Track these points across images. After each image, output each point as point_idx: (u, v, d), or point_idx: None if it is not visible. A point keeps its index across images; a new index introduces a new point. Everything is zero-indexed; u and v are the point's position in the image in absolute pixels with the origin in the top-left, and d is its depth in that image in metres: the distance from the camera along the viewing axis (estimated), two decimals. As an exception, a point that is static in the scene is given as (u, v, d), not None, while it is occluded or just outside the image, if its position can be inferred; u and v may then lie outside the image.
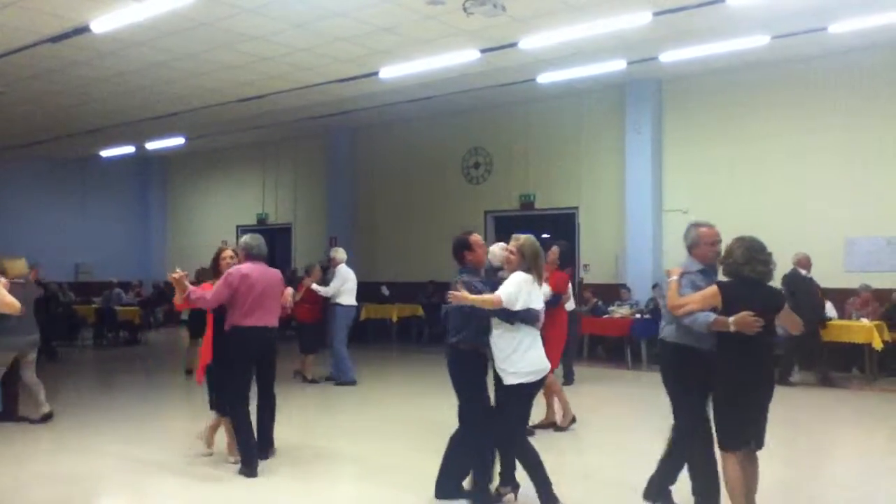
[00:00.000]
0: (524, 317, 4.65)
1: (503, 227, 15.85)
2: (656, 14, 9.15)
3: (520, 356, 4.64)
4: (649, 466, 4.83)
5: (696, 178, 13.01)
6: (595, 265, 14.14)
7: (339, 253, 10.66)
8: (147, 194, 22.37)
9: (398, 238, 16.85)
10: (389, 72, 11.64)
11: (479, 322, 4.79)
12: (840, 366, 10.33)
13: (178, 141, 18.12)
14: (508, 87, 13.27)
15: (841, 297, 10.76)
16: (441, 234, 15.84)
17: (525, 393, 4.71)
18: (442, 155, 16.29)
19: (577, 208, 14.40)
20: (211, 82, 12.53)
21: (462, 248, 5.09)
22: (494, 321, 4.72)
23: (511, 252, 4.84)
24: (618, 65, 11.86)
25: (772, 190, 12.16)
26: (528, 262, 4.77)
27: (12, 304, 5.51)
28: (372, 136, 17.37)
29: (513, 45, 10.32)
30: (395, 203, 17.09)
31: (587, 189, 14.27)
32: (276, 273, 6.20)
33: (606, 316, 12.48)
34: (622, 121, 13.57)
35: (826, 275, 10.44)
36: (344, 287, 10.26)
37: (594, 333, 12.73)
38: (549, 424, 7.26)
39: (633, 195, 13.35)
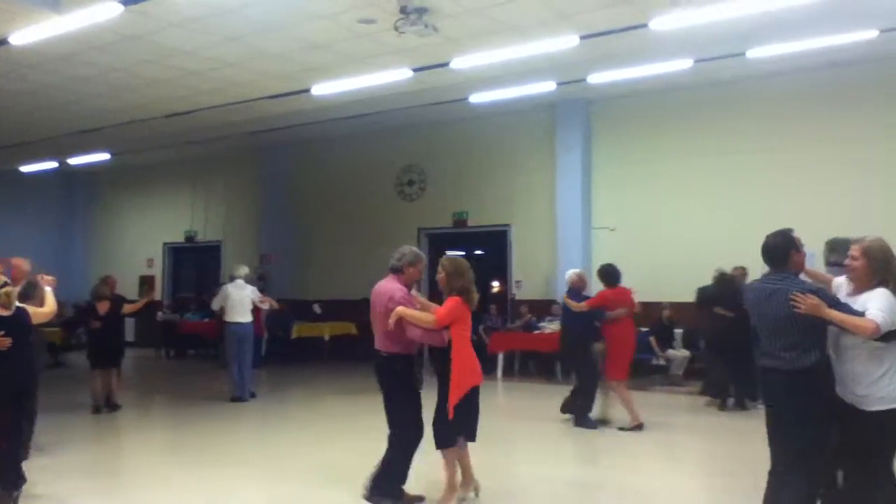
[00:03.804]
0: None
1: (437, 245, 15.94)
2: (583, 37, 9.41)
3: None
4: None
5: (624, 196, 13.35)
6: (527, 282, 14.33)
7: (236, 270, 10.55)
8: (70, 211, 21.64)
9: (332, 255, 16.73)
10: (322, 89, 11.62)
11: None
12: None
13: (104, 156, 17.62)
14: (442, 106, 13.39)
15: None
16: (375, 251, 15.78)
17: None
18: (376, 172, 16.29)
19: (509, 226, 14.58)
20: (138, 97, 12.27)
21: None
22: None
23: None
24: (548, 86, 12.11)
25: (695, 208, 12.57)
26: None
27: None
28: (306, 152, 17.25)
29: (444, 64, 10.44)
30: (328, 220, 16.98)
31: (519, 207, 14.48)
32: None
33: (537, 331, 12.65)
34: (553, 140, 13.85)
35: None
36: (228, 304, 10.13)
37: (525, 349, 12.88)
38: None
39: (564, 213, 13.60)
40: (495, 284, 16.08)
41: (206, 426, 8.67)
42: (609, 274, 8.47)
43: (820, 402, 3.97)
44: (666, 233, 12.77)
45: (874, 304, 3.83)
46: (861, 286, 4.02)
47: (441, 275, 5.20)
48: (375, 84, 11.25)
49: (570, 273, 9.09)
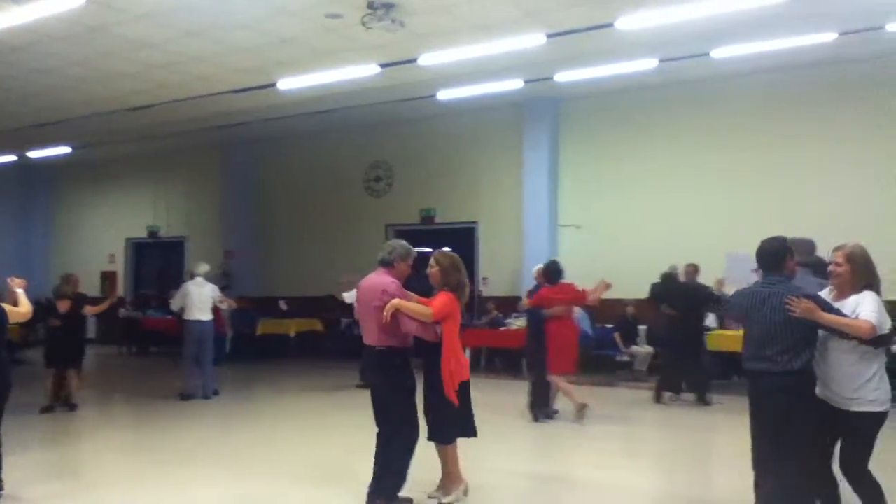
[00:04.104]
0: None
1: (404, 241, 15.92)
2: (550, 36, 9.46)
3: None
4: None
5: (590, 194, 13.47)
6: (493, 279, 14.39)
7: (196, 267, 10.45)
8: (29, 206, 21.18)
9: (298, 251, 16.63)
10: (288, 83, 11.53)
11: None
12: (721, 374, 10.87)
13: (65, 150, 17.28)
14: (410, 102, 13.37)
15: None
16: (341, 248, 15.78)
17: None
18: (343, 168, 16.23)
19: (476, 223, 14.63)
20: (100, 90, 12.06)
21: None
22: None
23: None
24: (515, 84, 12.16)
25: (660, 207, 12.73)
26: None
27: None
28: (272, 147, 17.11)
29: (412, 60, 10.43)
30: (295, 216, 16.88)
31: (486, 204, 14.53)
32: None
33: (504, 328, 12.71)
34: (520, 138, 13.91)
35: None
36: (188, 302, 10.04)
37: (491, 346, 12.94)
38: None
39: (531, 210, 13.68)
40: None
41: (168, 425, 8.56)
42: (548, 271, 8.60)
43: (811, 402, 4.10)
44: (631, 231, 12.92)
45: (866, 307, 3.95)
46: (845, 291, 4.15)
47: (434, 269, 5.17)
48: (343, 79, 11.19)
49: (534, 269, 9.20)
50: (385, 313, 4.87)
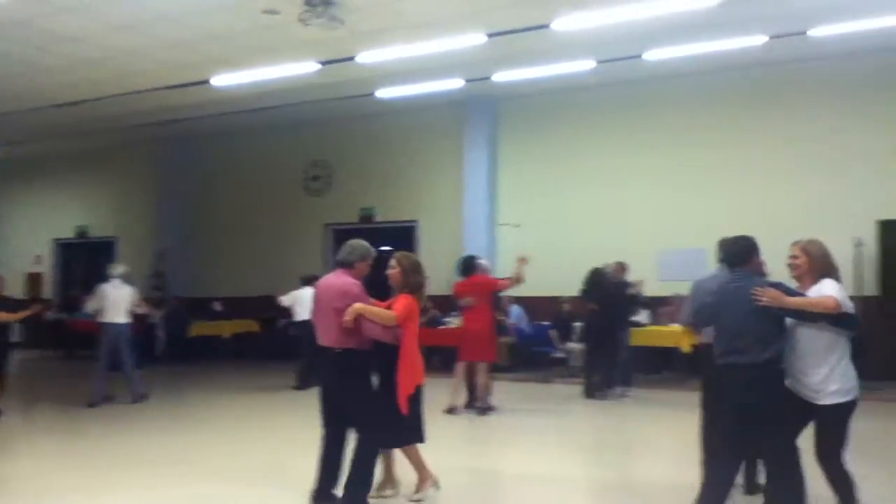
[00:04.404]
0: None
1: (343, 241, 15.74)
2: (489, 35, 9.55)
3: None
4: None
5: (529, 193, 13.64)
6: (434, 277, 14.29)
7: (113, 268, 10.14)
8: (-51, 204, 20.28)
9: (234, 251, 16.34)
10: (223, 80, 11.33)
11: None
12: (652, 368, 11.15)
13: (-14, 146, 16.61)
14: (349, 101, 13.30)
15: (655, 305, 11.63)
16: (279, 247, 15.58)
17: None
18: (281, 166, 16.03)
19: (416, 221, 14.64)
20: (27, 85, 11.62)
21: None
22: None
23: None
24: (455, 83, 12.23)
25: (596, 205, 12.98)
26: None
27: None
28: (208, 145, 16.77)
29: (351, 58, 10.38)
30: (231, 215, 16.58)
31: (426, 203, 14.55)
32: None
33: (442, 326, 12.75)
34: (460, 137, 13.99)
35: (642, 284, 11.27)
36: (103, 304, 9.78)
37: (430, 344, 12.94)
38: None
39: (470, 209, 13.77)
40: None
41: (106, 430, 8.26)
42: (460, 265, 8.86)
43: (783, 391, 4.19)
44: (569, 229, 13.13)
45: (826, 289, 4.10)
46: (805, 283, 4.28)
47: (395, 270, 5.08)
48: (280, 76, 11.07)
49: None
50: (347, 317, 4.78)
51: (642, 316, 11.41)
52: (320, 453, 5.08)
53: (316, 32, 9.19)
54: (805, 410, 4.19)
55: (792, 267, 4.35)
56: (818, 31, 9.86)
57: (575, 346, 12.22)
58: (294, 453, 7.03)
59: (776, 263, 5.19)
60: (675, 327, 10.85)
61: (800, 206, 11.23)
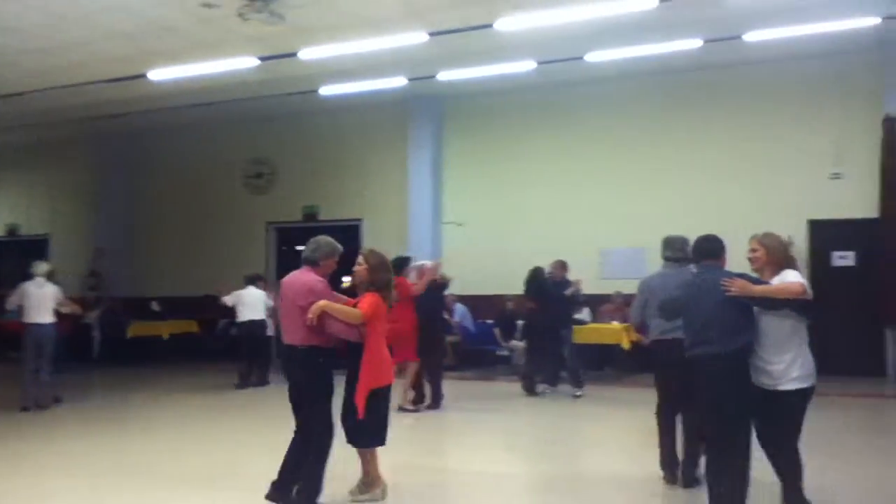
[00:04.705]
0: None
1: (286, 239, 15.64)
2: (432, 34, 9.52)
3: None
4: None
5: (473, 192, 13.69)
6: (378, 276, 14.31)
7: (35, 267, 9.81)
8: None
9: (173, 250, 15.98)
10: (160, 74, 11.05)
11: None
12: (594, 365, 11.30)
13: None
14: (292, 97, 13.12)
15: (597, 303, 11.80)
16: (220, 246, 15.31)
17: None
18: (222, 163, 15.73)
19: (360, 220, 14.54)
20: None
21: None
22: None
23: None
24: (399, 81, 12.17)
25: (539, 205, 13.09)
26: None
27: None
28: (147, 141, 16.35)
29: (292, 54, 10.23)
30: (170, 213, 16.21)
31: (371, 201, 14.47)
32: None
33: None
34: (405, 136, 13.95)
35: (584, 282, 11.39)
36: (25, 303, 9.48)
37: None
38: None
39: (415, 208, 13.75)
40: (345, 279, 15.97)
41: (33, 435, 7.97)
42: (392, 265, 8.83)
43: (749, 382, 4.30)
44: (512, 228, 13.23)
45: (790, 277, 4.25)
46: (765, 275, 4.40)
47: (362, 267, 5.00)
48: (219, 71, 10.83)
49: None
50: (311, 314, 4.70)
51: (584, 314, 11.55)
52: (287, 451, 4.99)
53: (256, 28, 9.02)
54: (764, 400, 4.32)
55: (752, 260, 4.49)
56: (754, 36, 10.11)
57: (518, 344, 12.31)
58: (241, 454, 6.94)
59: None
60: (616, 325, 11.06)
61: (734, 205, 11.51)
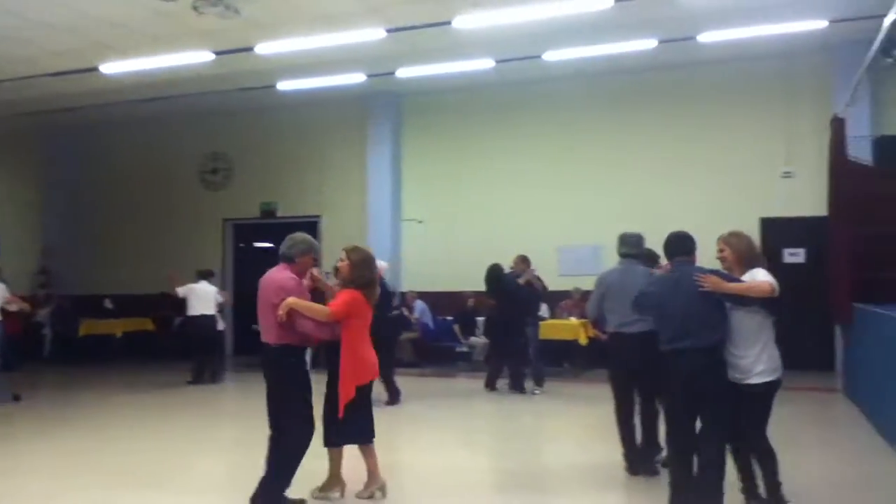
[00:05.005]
0: None
1: (243, 236, 15.47)
2: (389, 31, 9.49)
3: None
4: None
5: (432, 189, 13.70)
6: (337, 273, 14.24)
7: None
8: None
9: (127, 247, 15.67)
10: (112, 67, 10.83)
11: None
12: (552, 361, 11.39)
13: None
14: (249, 93, 12.97)
15: (555, 299, 11.89)
16: (175, 243, 15.07)
17: None
18: (177, 159, 15.49)
19: (319, 217, 14.44)
20: None
21: None
22: None
23: None
24: (357, 77, 12.11)
25: (498, 203, 13.14)
26: None
27: None
28: (99, 135, 16.00)
29: (248, 49, 10.11)
30: (124, 209, 15.89)
31: (330, 198, 14.38)
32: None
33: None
34: (364, 132, 13.90)
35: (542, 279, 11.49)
36: None
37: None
38: None
39: (374, 204, 13.72)
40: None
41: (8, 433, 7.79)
42: None
43: (725, 375, 4.44)
44: (471, 225, 13.26)
45: (760, 276, 4.40)
46: (736, 273, 4.54)
47: (344, 263, 4.92)
48: (174, 65, 10.66)
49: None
50: (280, 312, 4.63)
51: (542, 310, 11.63)
52: (267, 453, 4.90)
53: (211, 22, 8.91)
54: (736, 396, 4.45)
55: (721, 260, 4.65)
56: (708, 37, 10.28)
57: (478, 340, 12.37)
58: (195, 453, 6.86)
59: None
60: (574, 321, 11.17)
61: (689, 203, 11.70)
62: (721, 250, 4.63)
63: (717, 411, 4.42)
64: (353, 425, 4.92)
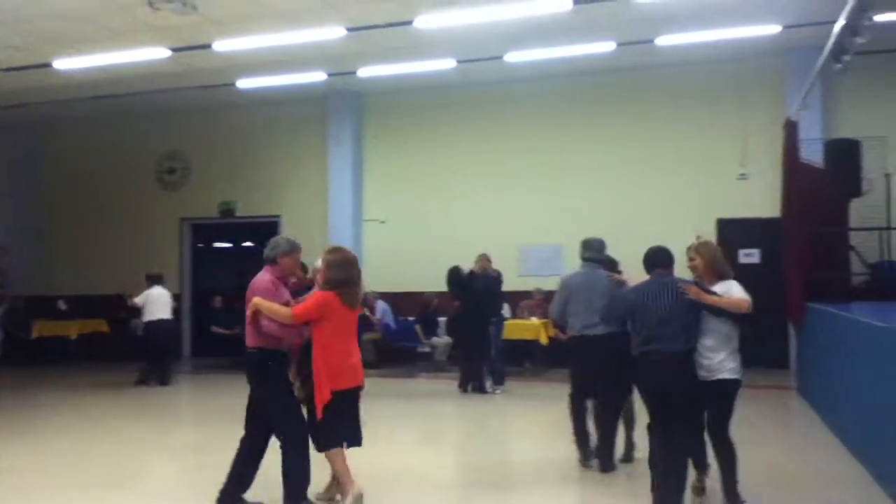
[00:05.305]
0: None
1: (201, 235, 15.26)
2: (350, 30, 9.45)
3: None
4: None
5: (394, 189, 13.65)
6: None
7: None
8: None
9: (82, 247, 15.33)
10: (66, 64, 10.59)
11: None
12: (514, 361, 11.44)
13: None
14: (208, 90, 12.80)
15: (515, 299, 11.94)
16: (131, 243, 14.79)
17: None
18: (134, 157, 15.20)
19: (279, 217, 14.30)
20: None
21: None
22: None
23: None
24: (318, 76, 12.03)
25: (460, 203, 13.15)
26: None
27: None
28: (52, 133, 15.64)
29: (206, 46, 9.97)
30: (78, 208, 15.54)
31: (290, 197, 14.25)
32: None
33: (307, 324, 12.55)
34: (325, 131, 13.80)
35: (503, 279, 11.53)
36: None
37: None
38: None
39: (335, 204, 13.63)
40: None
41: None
42: None
43: (695, 374, 4.69)
44: (433, 225, 13.26)
45: (736, 290, 4.69)
46: (707, 280, 4.80)
47: (322, 265, 4.86)
48: (129, 62, 10.46)
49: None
50: (248, 313, 4.61)
51: (504, 310, 11.65)
52: (235, 455, 4.87)
53: (168, 18, 8.76)
54: (703, 394, 4.70)
55: (692, 268, 4.91)
56: (665, 40, 10.43)
57: (440, 340, 12.36)
58: (144, 456, 6.74)
59: (628, 257, 5.74)
60: (535, 321, 11.23)
61: (648, 204, 11.87)
62: (692, 259, 4.89)
63: (687, 411, 4.63)
64: (326, 429, 4.77)
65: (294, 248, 4.94)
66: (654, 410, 4.71)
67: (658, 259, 4.94)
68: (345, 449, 4.81)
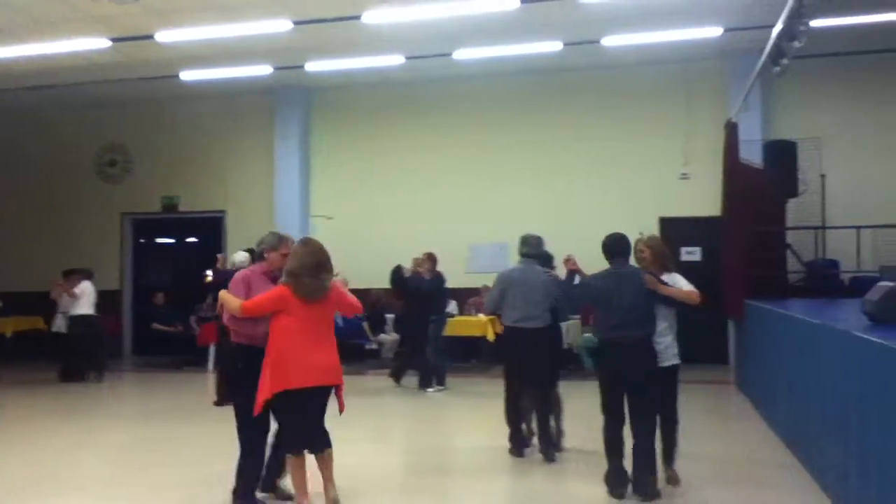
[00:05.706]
0: None
1: (143, 231, 14.92)
2: (296, 23, 9.34)
3: None
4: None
5: (343, 185, 13.55)
6: (243, 270, 13.89)
7: None
8: None
9: (17, 242, 14.82)
10: (2, 52, 10.22)
11: None
12: (460, 357, 11.48)
13: None
14: (150, 82, 12.50)
15: (463, 296, 11.98)
16: (70, 238, 14.37)
17: None
18: (72, 150, 14.74)
19: (224, 212, 14.07)
20: None
21: None
22: None
23: None
24: (264, 69, 11.86)
25: (408, 199, 13.13)
26: None
27: None
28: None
29: (148, 37, 9.74)
30: (13, 202, 15.02)
31: (236, 192, 14.02)
32: None
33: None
34: (271, 126, 13.62)
35: (451, 276, 11.52)
36: None
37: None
38: None
39: (282, 200, 13.47)
40: (209, 274, 15.38)
41: None
42: None
43: (656, 358, 5.07)
44: (382, 222, 13.20)
45: (683, 283, 5.15)
46: (655, 271, 5.14)
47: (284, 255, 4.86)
48: (66, 52, 10.16)
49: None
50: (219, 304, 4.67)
51: (451, 307, 11.68)
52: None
53: (107, 7, 8.55)
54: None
55: (640, 259, 5.26)
56: (611, 41, 10.57)
57: (387, 337, 12.33)
58: (80, 455, 6.58)
59: (574, 253, 5.81)
60: (482, 317, 11.27)
61: (593, 202, 12.03)
62: (641, 251, 5.23)
63: (652, 389, 4.99)
64: (288, 433, 4.69)
65: (281, 243, 4.96)
66: (617, 394, 4.97)
67: (621, 248, 5.18)
68: (307, 455, 4.67)
